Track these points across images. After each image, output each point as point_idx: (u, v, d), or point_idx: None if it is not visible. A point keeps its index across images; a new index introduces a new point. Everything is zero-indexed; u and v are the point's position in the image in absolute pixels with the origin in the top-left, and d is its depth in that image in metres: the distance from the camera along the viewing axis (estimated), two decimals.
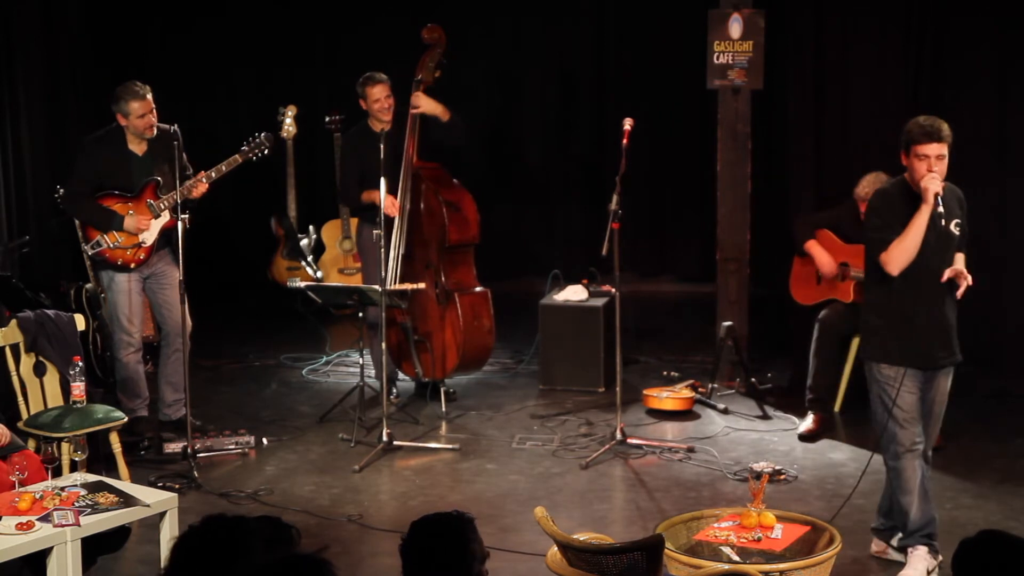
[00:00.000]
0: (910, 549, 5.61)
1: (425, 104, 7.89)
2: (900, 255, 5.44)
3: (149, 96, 7.14)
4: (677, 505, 6.42)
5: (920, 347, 5.57)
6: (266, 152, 7.34)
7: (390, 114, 7.90)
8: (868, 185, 7.41)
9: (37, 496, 5.08)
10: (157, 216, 7.21)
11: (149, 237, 7.23)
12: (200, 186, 7.15)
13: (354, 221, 9.92)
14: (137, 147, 7.24)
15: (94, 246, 7.25)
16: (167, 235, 7.24)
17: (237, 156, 7.27)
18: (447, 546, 3.63)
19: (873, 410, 5.74)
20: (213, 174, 7.20)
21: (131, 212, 7.19)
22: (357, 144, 7.99)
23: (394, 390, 8.06)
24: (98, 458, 6.64)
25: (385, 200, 7.46)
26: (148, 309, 7.64)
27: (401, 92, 7.98)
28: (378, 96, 7.88)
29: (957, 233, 5.61)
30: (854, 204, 7.53)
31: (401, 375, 8.32)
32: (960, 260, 5.66)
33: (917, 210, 5.45)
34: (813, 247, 7.69)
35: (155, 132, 7.15)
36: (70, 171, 7.52)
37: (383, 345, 7.40)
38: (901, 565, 5.67)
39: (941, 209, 5.45)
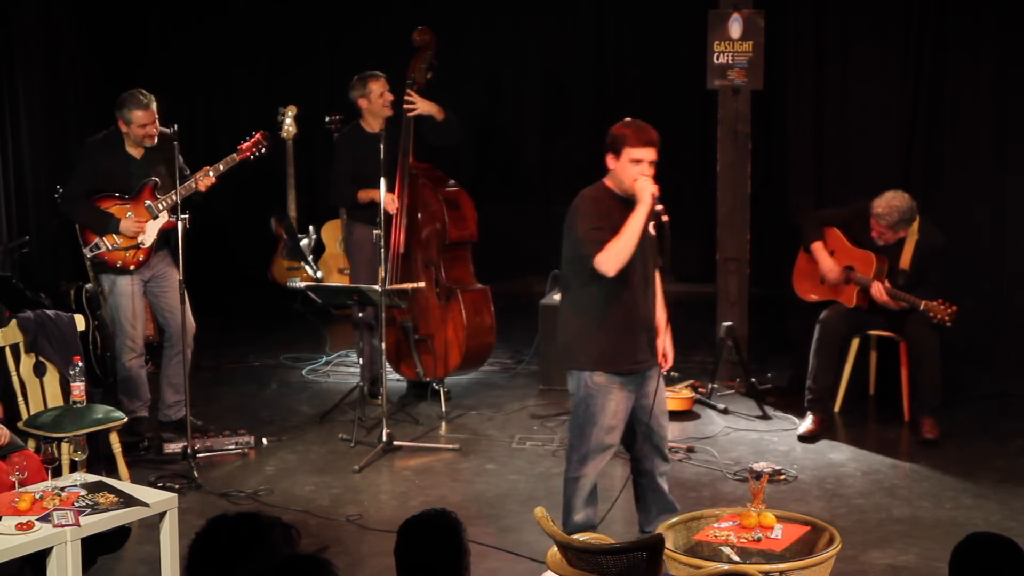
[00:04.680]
0: None
1: (421, 104, 7.90)
2: (617, 256, 5.35)
3: (153, 107, 7.14)
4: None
5: (630, 351, 5.56)
6: (263, 151, 7.36)
7: (392, 109, 7.92)
8: (888, 202, 7.36)
9: (37, 496, 5.08)
10: (155, 217, 7.22)
11: (147, 239, 7.23)
12: (207, 179, 7.16)
13: None
14: (135, 150, 7.26)
15: (92, 249, 7.26)
16: (166, 236, 7.25)
17: (235, 155, 7.29)
18: (442, 544, 3.63)
19: (575, 419, 5.65)
20: (221, 167, 7.21)
21: (128, 214, 7.20)
22: (352, 145, 7.99)
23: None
24: (98, 458, 6.64)
25: (386, 197, 7.47)
26: (149, 311, 7.65)
27: (397, 93, 7.99)
28: (381, 91, 7.90)
29: (653, 233, 5.54)
30: (866, 208, 7.48)
31: (395, 375, 8.32)
32: (658, 280, 5.70)
33: (631, 213, 5.40)
34: (819, 250, 7.64)
35: (155, 142, 7.18)
36: (70, 173, 7.53)
37: (381, 345, 7.40)
38: (905, 566, 5.69)
39: (660, 207, 5.43)
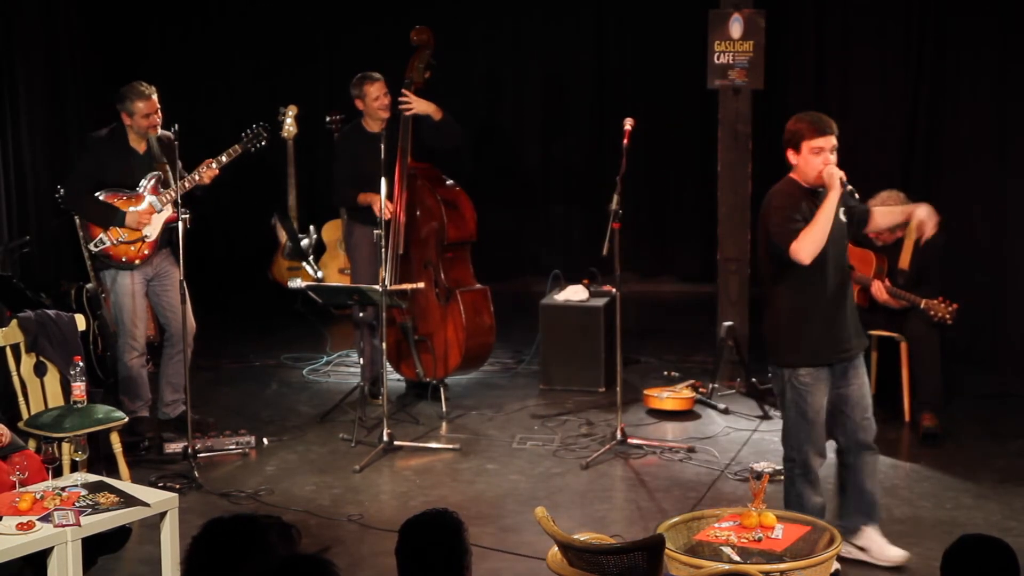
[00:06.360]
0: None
1: (417, 104, 7.88)
2: (811, 243, 5.39)
3: (154, 96, 7.17)
4: (677, 505, 6.42)
5: (834, 340, 5.57)
6: (263, 143, 7.37)
7: (389, 111, 7.91)
8: (883, 202, 7.36)
9: (38, 496, 5.08)
10: (159, 211, 7.23)
11: (152, 232, 7.25)
12: (210, 171, 7.18)
13: None
14: (138, 145, 7.27)
15: (97, 244, 7.26)
16: (169, 235, 7.25)
17: (237, 147, 7.30)
18: (443, 544, 3.63)
19: (788, 417, 5.67)
20: (223, 158, 7.22)
21: (132, 208, 7.22)
22: (352, 144, 7.99)
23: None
24: (99, 458, 6.64)
25: (382, 203, 7.46)
26: (150, 310, 7.65)
27: (397, 93, 7.98)
28: (377, 94, 7.88)
29: (845, 220, 5.62)
30: None
31: (396, 375, 8.32)
32: (891, 211, 6.00)
33: (823, 201, 5.46)
34: None
35: (158, 132, 7.20)
36: (72, 168, 7.53)
37: (382, 345, 7.39)
38: (906, 566, 5.70)
39: (851, 187, 5.53)
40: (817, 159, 5.48)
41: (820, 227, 5.40)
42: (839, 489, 5.85)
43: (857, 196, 5.74)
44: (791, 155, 5.55)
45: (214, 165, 7.20)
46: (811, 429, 5.58)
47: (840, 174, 5.47)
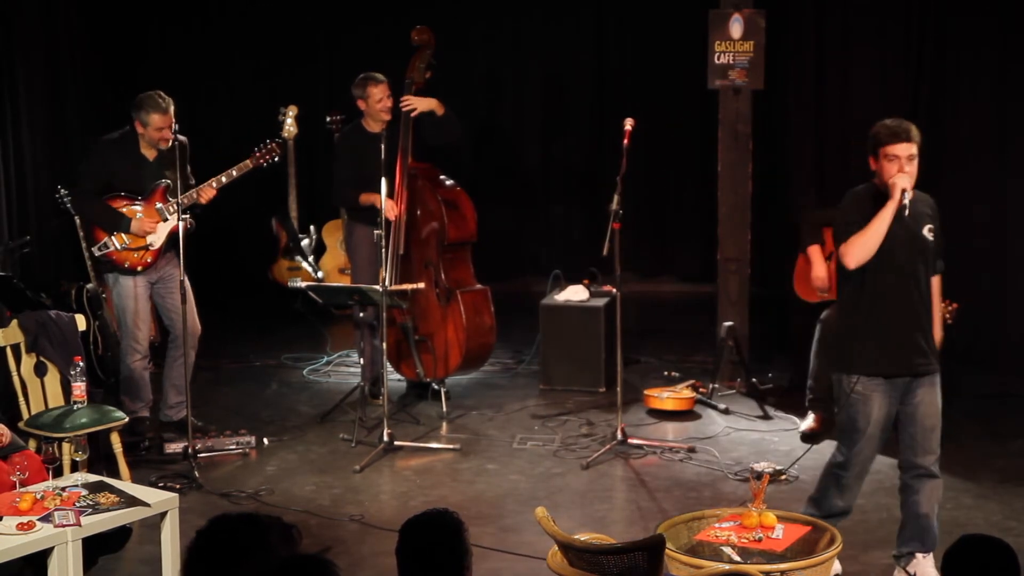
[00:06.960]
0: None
1: (418, 103, 7.88)
2: (859, 248, 5.35)
3: (171, 110, 7.12)
4: (678, 505, 6.43)
5: (895, 354, 5.48)
6: (275, 159, 7.37)
7: (391, 114, 7.91)
8: None
9: (38, 496, 5.08)
10: (165, 220, 7.22)
11: (156, 240, 7.24)
12: (208, 191, 7.17)
13: None
14: (149, 152, 7.25)
15: (101, 248, 7.26)
16: (174, 238, 7.24)
17: (248, 161, 7.29)
18: (444, 544, 3.64)
19: (839, 419, 5.67)
20: (223, 179, 7.21)
21: (139, 215, 7.21)
22: (354, 145, 7.99)
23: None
24: (99, 458, 6.64)
25: (386, 204, 7.46)
26: (153, 312, 7.64)
27: (397, 93, 7.98)
28: (380, 96, 7.88)
29: (931, 238, 5.52)
30: None
31: (396, 375, 8.32)
32: (937, 287, 5.64)
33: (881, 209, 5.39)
34: (814, 253, 7.64)
35: (169, 145, 7.14)
36: (80, 170, 7.51)
37: (382, 345, 7.39)
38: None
39: (907, 201, 5.39)
40: (891, 166, 5.38)
41: (870, 234, 5.34)
42: (902, 513, 5.74)
43: (915, 224, 5.48)
44: (871, 161, 5.46)
45: (214, 185, 7.18)
46: (858, 438, 5.53)
47: (904, 185, 5.35)
